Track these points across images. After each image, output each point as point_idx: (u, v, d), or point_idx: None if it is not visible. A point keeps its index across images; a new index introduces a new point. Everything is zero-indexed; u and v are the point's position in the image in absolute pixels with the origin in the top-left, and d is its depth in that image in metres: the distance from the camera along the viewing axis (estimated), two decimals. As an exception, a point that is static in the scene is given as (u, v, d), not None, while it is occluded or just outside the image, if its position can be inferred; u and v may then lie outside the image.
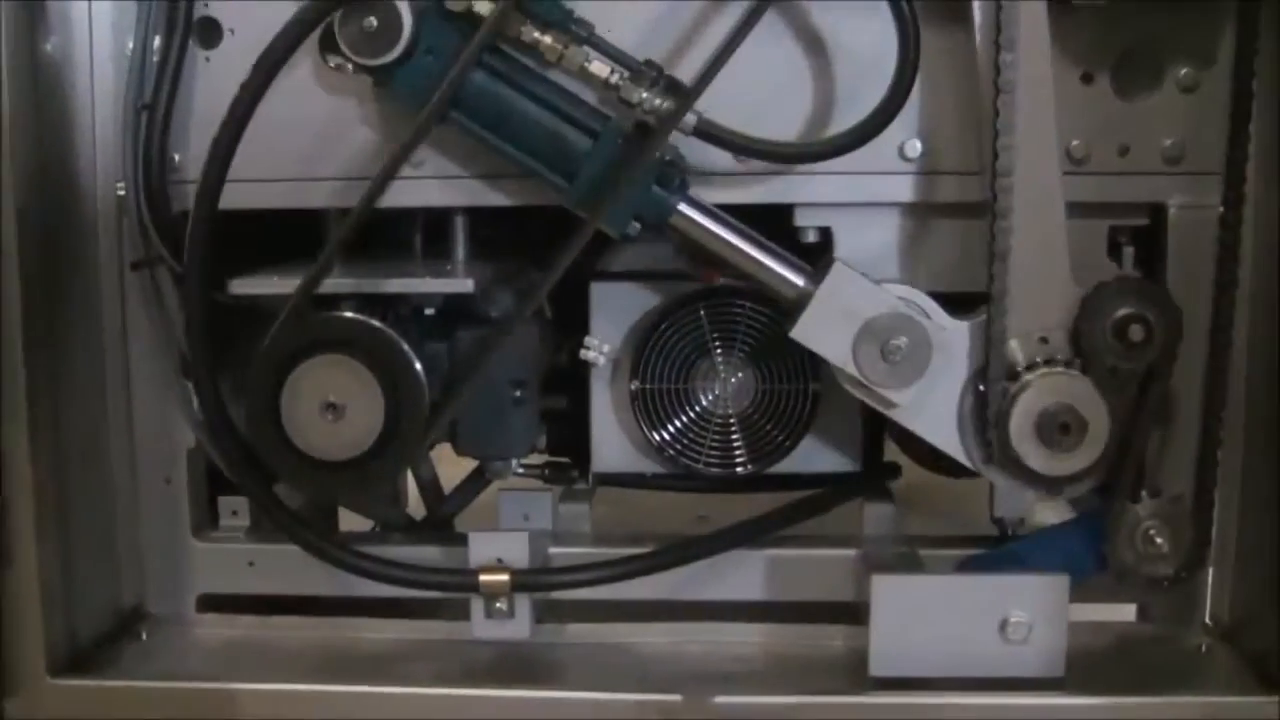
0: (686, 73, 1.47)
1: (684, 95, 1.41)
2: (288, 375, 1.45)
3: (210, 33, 1.57)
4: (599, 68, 1.42)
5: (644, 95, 1.41)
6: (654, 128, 1.43)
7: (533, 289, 1.48)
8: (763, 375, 1.66)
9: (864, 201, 1.54)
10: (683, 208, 1.46)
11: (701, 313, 1.63)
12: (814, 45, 1.52)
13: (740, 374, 1.66)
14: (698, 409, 1.66)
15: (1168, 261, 1.55)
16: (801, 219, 1.56)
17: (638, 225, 1.45)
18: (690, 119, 1.43)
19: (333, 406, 1.45)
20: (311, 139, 1.56)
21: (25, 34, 1.50)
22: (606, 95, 1.44)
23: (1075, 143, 1.52)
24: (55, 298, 1.55)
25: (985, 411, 1.48)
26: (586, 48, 1.44)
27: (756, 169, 1.52)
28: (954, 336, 1.49)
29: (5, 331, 1.47)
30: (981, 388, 1.49)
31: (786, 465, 1.70)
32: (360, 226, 1.44)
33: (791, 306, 1.48)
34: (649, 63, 1.45)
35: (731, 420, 1.66)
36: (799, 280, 1.47)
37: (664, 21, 1.50)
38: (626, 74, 1.43)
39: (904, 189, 1.54)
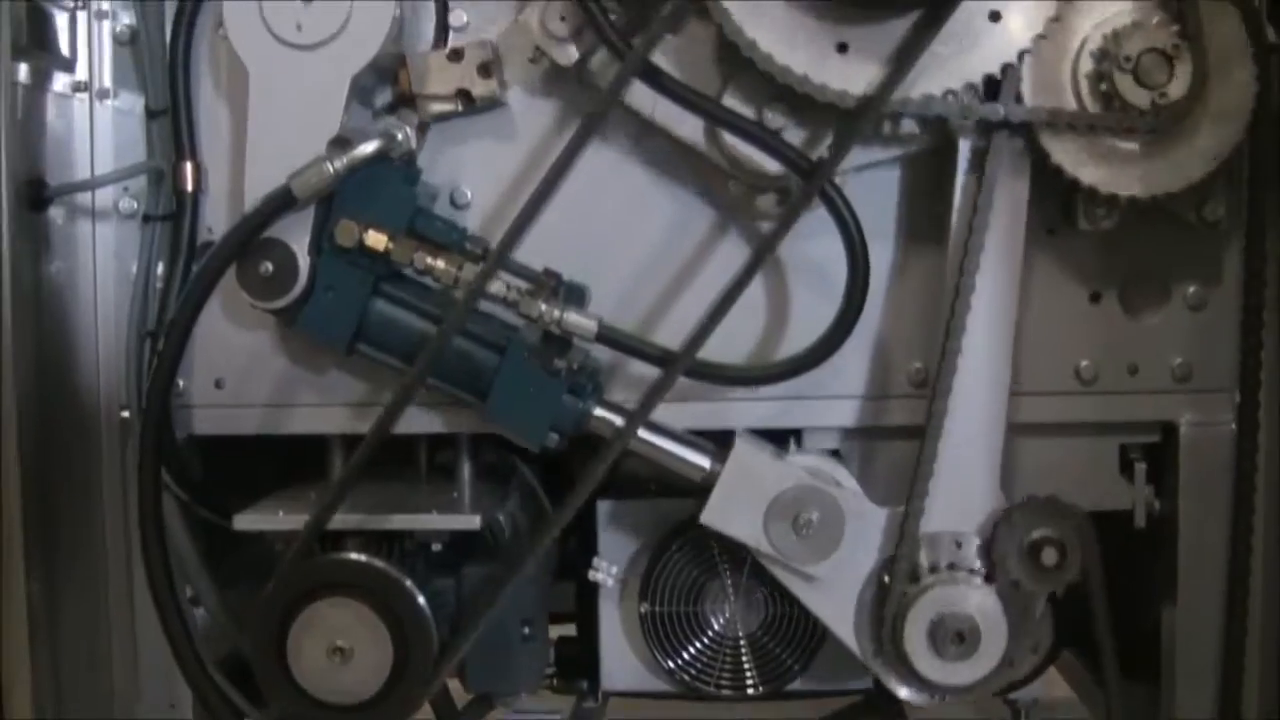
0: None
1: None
2: (294, 619, 1.42)
3: (216, 258, 1.56)
4: (496, 286, 1.42)
5: (544, 308, 1.41)
6: (561, 338, 1.42)
7: (541, 530, 1.45)
8: (773, 597, 1.62)
9: (874, 425, 1.53)
10: (599, 413, 1.45)
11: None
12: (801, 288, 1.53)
13: (750, 596, 1.63)
14: (709, 634, 1.63)
15: (1180, 478, 1.53)
16: (810, 442, 1.55)
17: (555, 436, 1.44)
18: (590, 325, 1.43)
19: (340, 650, 1.42)
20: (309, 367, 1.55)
21: (29, 256, 1.50)
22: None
23: (1084, 363, 1.52)
24: (57, 522, 1.53)
25: (884, 604, 1.46)
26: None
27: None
28: (870, 515, 1.48)
29: (5, 559, 1.44)
30: (886, 579, 1.46)
31: (798, 683, 1.66)
32: (362, 468, 1.42)
33: (701, 491, 1.46)
34: (548, 271, 1.45)
35: (742, 644, 1.63)
36: (704, 462, 1.46)
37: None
38: (525, 287, 1.42)
39: (916, 413, 1.51)
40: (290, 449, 1.61)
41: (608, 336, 1.45)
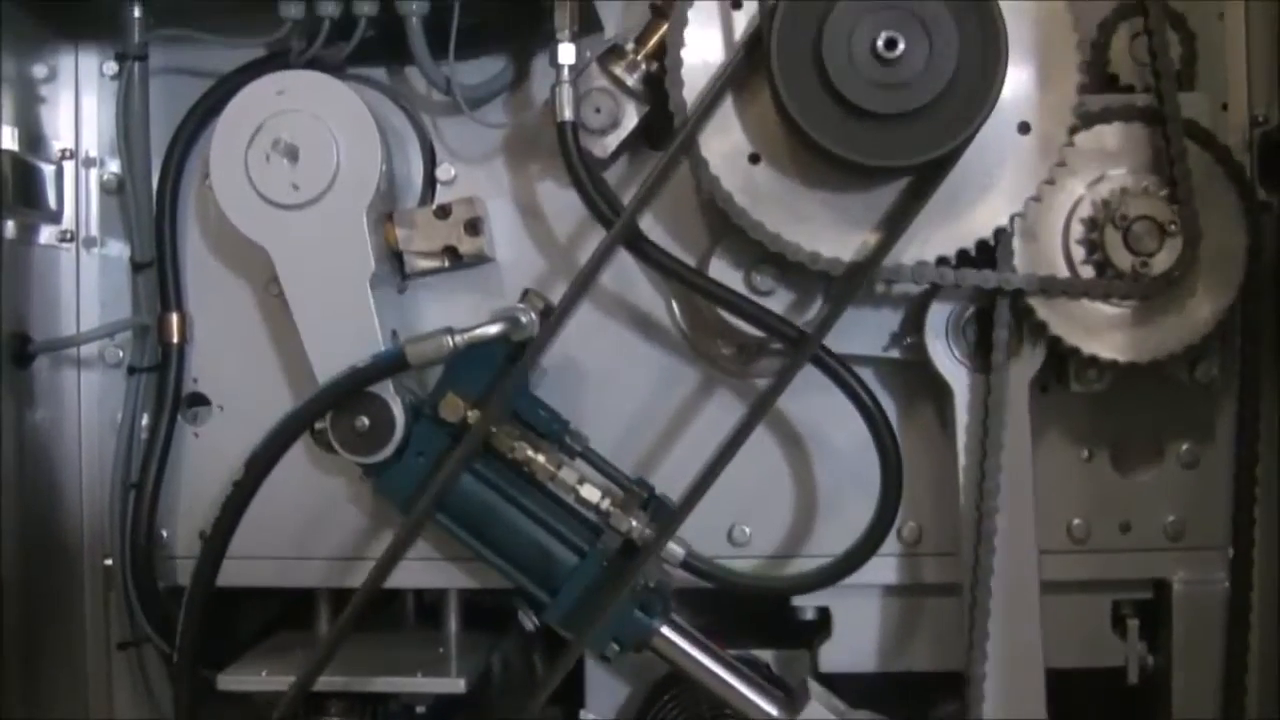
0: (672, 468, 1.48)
1: (665, 524, 1.40)
2: (280, 782, 1.40)
3: (199, 409, 1.55)
4: (590, 492, 1.41)
5: (633, 524, 1.40)
6: (640, 551, 1.40)
7: (533, 695, 1.44)
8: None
9: (862, 584, 1.50)
10: (665, 632, 1.43)
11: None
12: (795, 445, 1.53)
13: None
14: (697, 793, 1.61)
15: (1173, 635, 1.51)
16: (800, 599, 1.53)
17: (616, 647, 1.42)
18: (679, 552, 1.42)
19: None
20: (301, 520, 1.53)
21: (13, 407, 1.49)
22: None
23: (1076, 521, 1.51)
24: (38, 675, 1.52)
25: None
26: (580, 462, 1.43)
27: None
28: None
29: (-12, 705, 1.43)
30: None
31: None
32: (348, 632, 1.41)
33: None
34: (641, 482, 1.45)
35: (732, 803, 1.60)
36: (774, 711, 1.43)
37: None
38: (620, 496, 1.42)
39: (902, 571, 1.53)
40: (274, 596, 1.59)
41: (693, 565, 1.44)
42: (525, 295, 1.44)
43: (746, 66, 1.34)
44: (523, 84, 1.53)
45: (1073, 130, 1.35)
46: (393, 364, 1.39)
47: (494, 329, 1.39)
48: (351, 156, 1.42)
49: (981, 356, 1.42)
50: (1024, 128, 1.34)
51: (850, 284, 1.36)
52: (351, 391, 1.40)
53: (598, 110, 1.42)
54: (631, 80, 1.42)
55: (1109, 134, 1.41)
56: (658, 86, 1.39)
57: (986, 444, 1.39)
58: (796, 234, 1.35)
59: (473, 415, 1.39)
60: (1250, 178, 1.44)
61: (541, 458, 1.40)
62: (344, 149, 1.41)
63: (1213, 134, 1.41)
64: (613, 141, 1.42)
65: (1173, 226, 1.37)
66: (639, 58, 1.43)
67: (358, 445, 1.42)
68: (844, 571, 1.44)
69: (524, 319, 1.40)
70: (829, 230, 1.35)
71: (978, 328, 1.43)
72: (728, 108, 1.35)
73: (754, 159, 1.35)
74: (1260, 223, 1.42)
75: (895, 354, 1.48)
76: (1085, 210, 1.39)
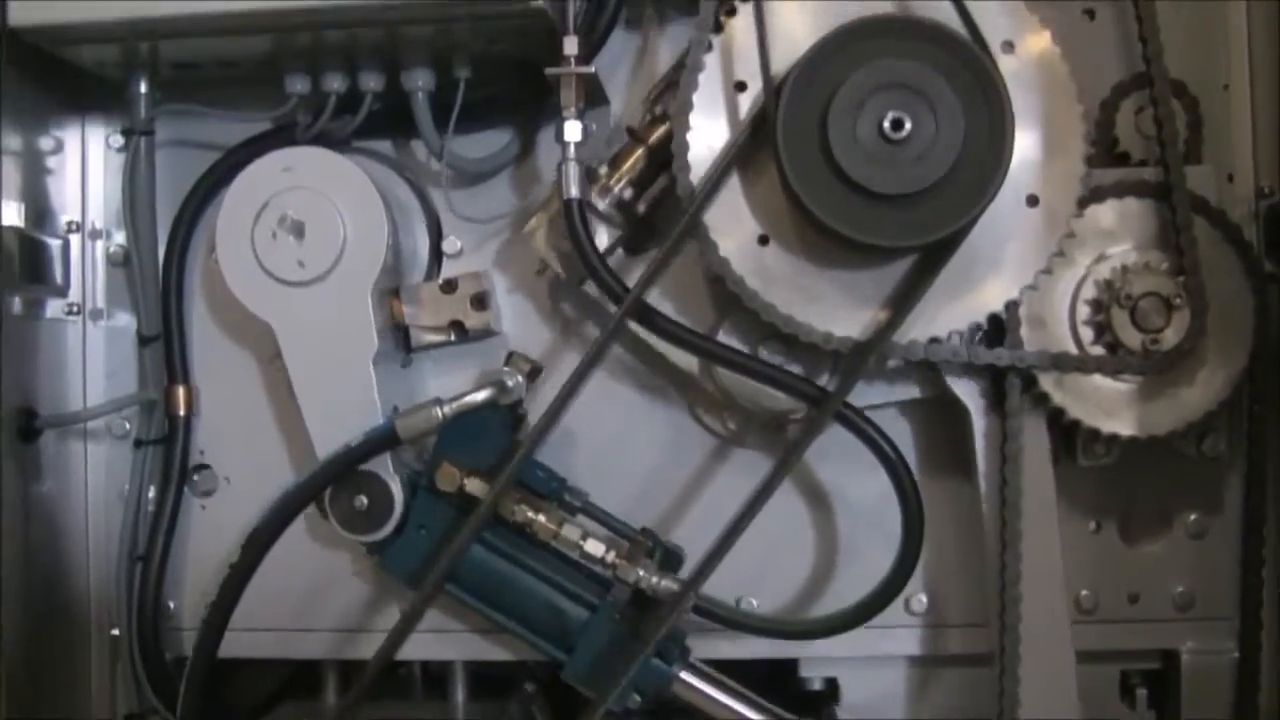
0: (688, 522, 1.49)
1: (688, 583, 1.40)
2: None
3: (206, 481, 1.55)
4: (594, 546, 1.41)
5: (641, 574, 1.40)
6: (652, 599, 1.41)
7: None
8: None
9: (870, 655, 1.50)
10: (684, 676, 1.43)
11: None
12: (817, 499, 1.52)
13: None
14: None
15: (1182, 705, 1.51)
16: (807, 670, 1.53)
17: (639, 698, 1.42)
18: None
19: None
20: (305, 591, 1.53)
21: (19, 476, 1.49)
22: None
23: (1084, 592, 1.51)
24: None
25: None
26: (581, 517, 1.43)
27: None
28: None
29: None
30: None
31: None
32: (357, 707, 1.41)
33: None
34: (645, 531, 1.45)
35: None
36: None
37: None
38: (625, 547, 1.41)
39: (910, 642, 1.51)
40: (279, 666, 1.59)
41: (703, 608, 1.44)
42: (510, 358, 1.45)
43: (752, 146, 1.33)
44: (528, 156, 1.53)
45: (1081, 203, 1.34)
46: (384, 440, 1.40)
47: (481, 395, 1.40)
48: (357, 234, 1.43)
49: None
50: (1032, 200, 1.33)
51: (860, 361, 1.35)
52: (345, 470, 1.40)
53: None
54: (604, 205, 1.42)
55: (1113, 209, 1.41)
56: (631, 211, 1.42)
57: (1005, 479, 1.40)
58: (808, 314, 1.35)
59: (470, 483, 1.40)
60: (1257, 250, 1.43)
61: (542, 518, 1.41)
62: (350, 227, 1.42)
63: (1220, 210, 1.41)
64: None
65: (1178, 300, 1.37)
66: (612, 182, 1.43)
67: (358, 524, 1.43)
68: (862, 617, 1.44)
69: (510, 382, 1.42)
70: (840, 309, 1.35)
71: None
72: (735, 188, 1.34)
73: (763, 240, 1.34)
74: (1267, 295, 1.41)
75: (915, 393, 1.47)
76: (1090, 290, 1.39)
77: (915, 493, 1.41)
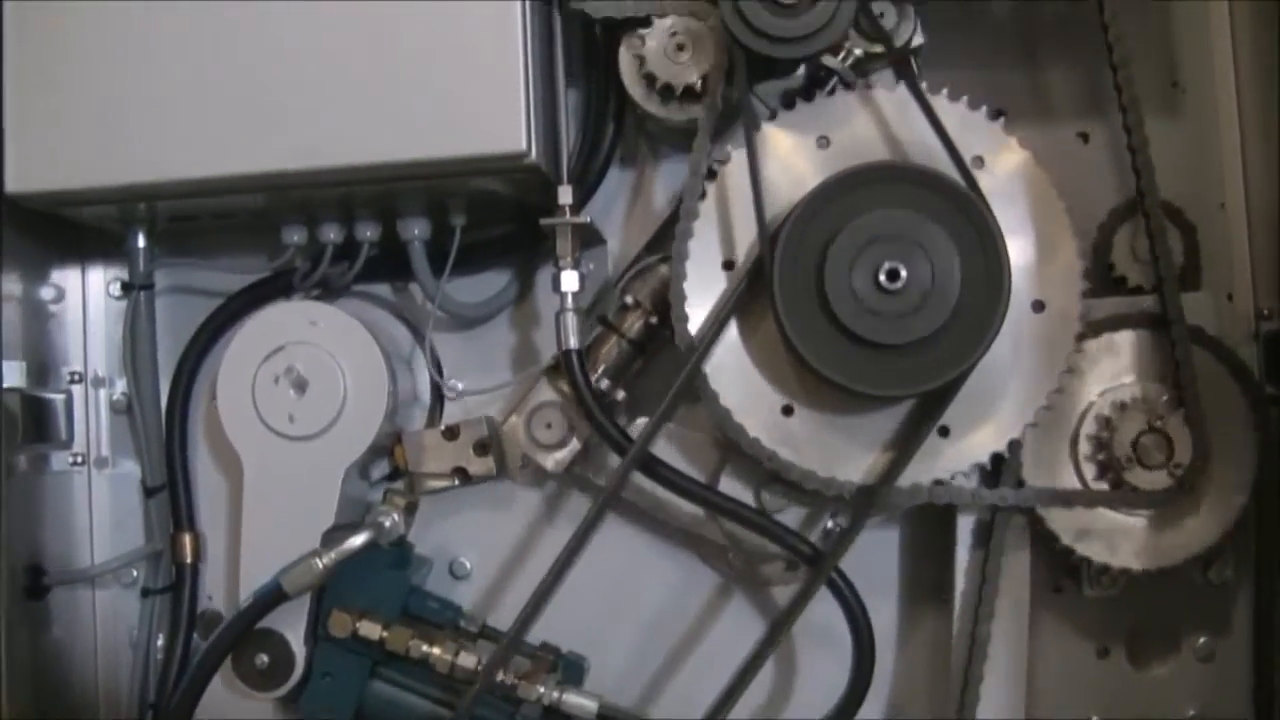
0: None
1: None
2: None
3: (214, 627, 1.55)
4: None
5: (541, 690, 1.41)
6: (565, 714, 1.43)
7: None
8: None
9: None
10: None
11: None
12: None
13: None
14: None
15: (1197, 829, 1.51)
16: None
17: None
18: (590, 705, 1.43)
19: None
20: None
21: (28, 631, 1.49)
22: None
23: (1094, 718, 1.50)
24: None
25: None
26: (482, 642, 1.45)
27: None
28: None
29: None
30: None
31: None
32: None
33: None
34: (545, 645, 1.47)
35: None
36: None
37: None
38: (524, 665, 1.43)
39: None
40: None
41: (609, 717, 1.43)
42: (385, 496, 1.48)
43: (749, 295, 1.34)
44: (526, 297, 1.54)
45: (1079, 337, 1.34)
46: (273, 598, 1.40)
47: (360, 539, 1.41)
48: (353, 411, 1.45)
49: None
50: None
51: (863, 508, 1.35)
52: (241, 633, 1.41)
53: (548, 426, 1.44)
54: None
55: (1112, 343, 1.41)
56: (607, 399, 1.43)
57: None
58: (810, 461, 1.34)
59: (363, 626, 1.41)
60: (1259, 377, 1.43)
61: (437, 650, 1.42)
62: (350, 402, 1.44)
63: (1219, 340, 1.41)
64: (565, 457, 1.45)
65: (1180, 434, 1.37)
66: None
67: (262, 682, 1.44)
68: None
69: (387, 522, 1.43)
70: (841, 455, 1.35)
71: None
72: (734, 339, 1.34)
73: (764, 389, 1.34)
74: (1269, 421, 1.41)
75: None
76: (1091, 426, 1.39)
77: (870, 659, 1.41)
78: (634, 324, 1.46)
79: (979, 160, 1.33)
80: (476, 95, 1.29)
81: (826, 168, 1.34)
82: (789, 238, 1.29)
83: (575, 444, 1.45)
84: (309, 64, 1.31)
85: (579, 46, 1.45)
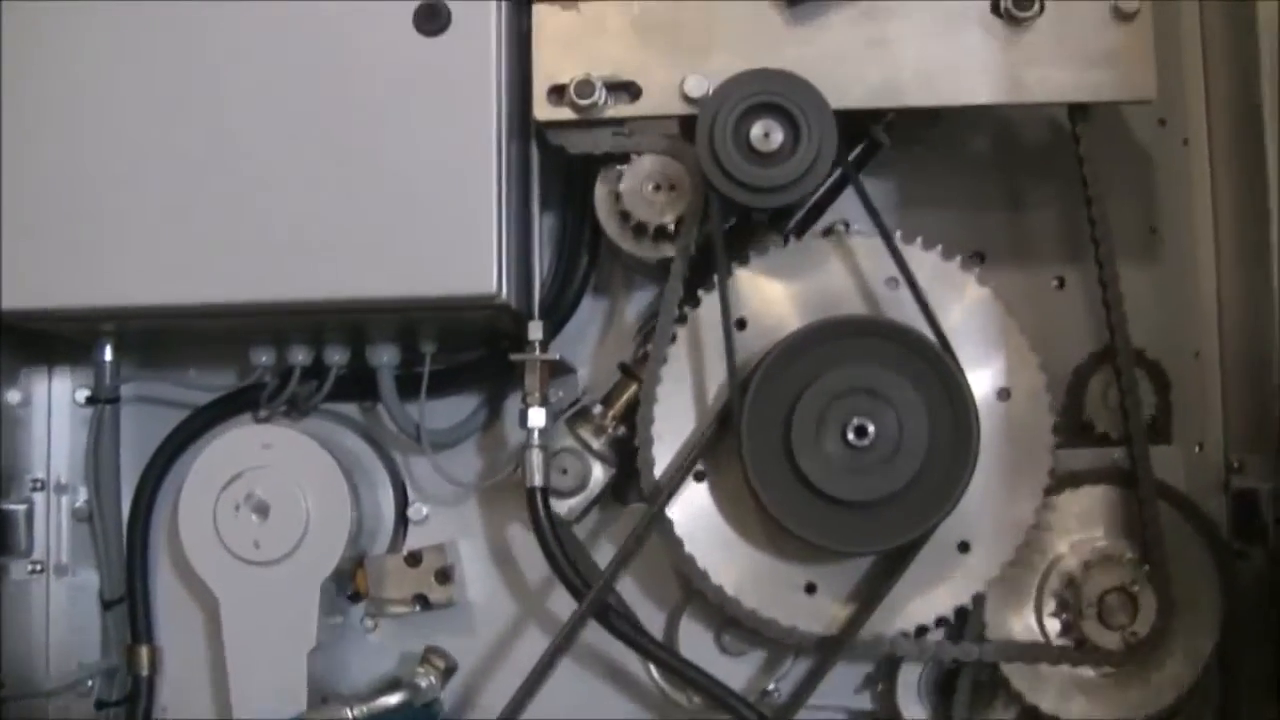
0: None
1: None
2: None
3: (169, 740, 1.54)
4: None
5: None
6: None
7: None
8: None
9: None
10: None
11: None
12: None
13: None
14: None
15: None
16: None
17: None
18: None
19: None
20: None
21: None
22: None
23: None
24: None
25: None
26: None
27: None
28: None
29: None
30: None
31: None
32: None
33: None
34: None
35: None
36: None
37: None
38: None
39: None
40: None
41: None
42: (425, 657, 1.45)
43: (716, 435, 1.33)
44: (494, 424, 1.53)
45: (1048, 491, 1.34)
46: None
47: (394, 699, 1.41)
48: (319, 528, 1.43)
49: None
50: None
51: (823, 661, 1.35)
52: None
53: (564, 472, 1.42)
54: (598, 444, 1.42)
55: (1080, 498, 1.40)
56: (626, 447, 1.40)
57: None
58: (772, 609, 1.34)
59: None
60: (1227, 532, 1.43)
61: None
62: (313, 520, 1.43)
63: (1188, 498, 1.40)
64: (580, 504, 1.43)
65: (1137, 586, 1.36)
66: (606, 421, 1.43)
67: None
68: None
69: (424, 684, 1.43)
70: (803, 605, 1.34)
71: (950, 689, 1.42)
72: (699, 483, 1.34)
73: (728, 535, 1.34)
74: (1235, 577, 1.40)
75: (867, 704, 1.46)
76: (1055, 583, 1.38)
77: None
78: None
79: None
80: (449, 236, 1.29)
81: (799, 313, 1.34)
82: (758, 390, 1.28)
83: (591, 490, 1.43)
84: (281, 198, 1.30)
85: (556, 172, 1.44)
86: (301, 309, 1.32)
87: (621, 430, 1.43)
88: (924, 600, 1.35)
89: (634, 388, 1.43)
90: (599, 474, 1.43)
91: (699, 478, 1.34)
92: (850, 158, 1.38)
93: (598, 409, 1.43)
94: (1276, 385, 1.38)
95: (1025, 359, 1.34)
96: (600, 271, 1.50)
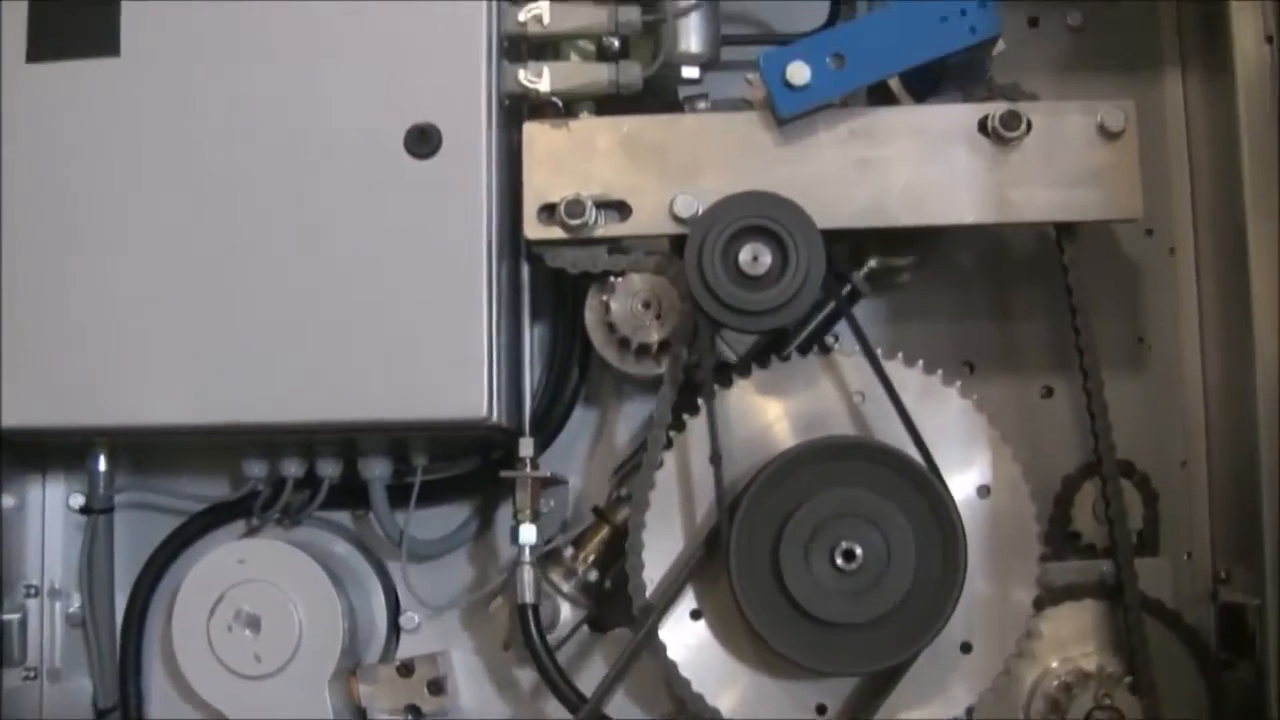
0: None
1: None
2: None
3: (163, 847, 1.55)
4: None
5: None
6: None
7: None
8: None
9: None
10: None
11: None
12: None
13: None
14: None
15: None
16: None
17: None
18: None
19: None
20: None
21: None
22: None
23: None
24: None
25: None
26: None
27: None
28: None
29: None
30: None
31: None
32: None
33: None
34: None
35: None
36: None
37: None
38: None
39: None
40: None
41: None
42: None
43: (705, 554, 1.34)
44: (486, 532, 1.53)
45: (1037, 604, 1.35)
46: None
47: None
48: (313, 627, 1.43)
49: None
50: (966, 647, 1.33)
51: (810, 784, 1.35)
52: None
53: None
54: (568, 587, 1.44)
55: (1067, 612, 1.41)
56: (597, 591, 1.44)
57: None
58: (757, 726, 1.34)
59: None
60: (1214, 644, 1.43)
61: None
62: (305, 620, 1.43)
63: (1175, 613, 1.41)
64: (551, 642, 1.43)
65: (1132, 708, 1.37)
66: (576, 563, 1.45)
67: None
68: None
69: None
70: (790, 722, 1.35)
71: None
72: (687, 600, 1.35)
73: (717, 651, 1.34)
74: (1223, 690, 1.41)
75: None
76: (1040, 704, 1.39)
77: None
78: (626, 515, 1.43)
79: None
80: (440, 360, 1.29)
81: (787, 431, 1.35)
82: (747, 512, 1.29)
83: (561, 631, 1.45)
84: (272, 321, 1.31)
85: (547, 283, 1.45)
86: (293, 430, 1.32)
87: (593, 575, 1.45)
88: (933, 705, 1.34)
89: (605, 530, 1.45)
90: (568, 615, 1.44)
91: (695, 616, 1.35)
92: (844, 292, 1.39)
93: (569, 551, 1.45)
94: (1263, 495, 1.39)
95: (1000, 453, 1.35)
96: (590, 382, 1.50)
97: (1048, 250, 1.42)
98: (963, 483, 1.33)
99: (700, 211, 1.34)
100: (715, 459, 1.31)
